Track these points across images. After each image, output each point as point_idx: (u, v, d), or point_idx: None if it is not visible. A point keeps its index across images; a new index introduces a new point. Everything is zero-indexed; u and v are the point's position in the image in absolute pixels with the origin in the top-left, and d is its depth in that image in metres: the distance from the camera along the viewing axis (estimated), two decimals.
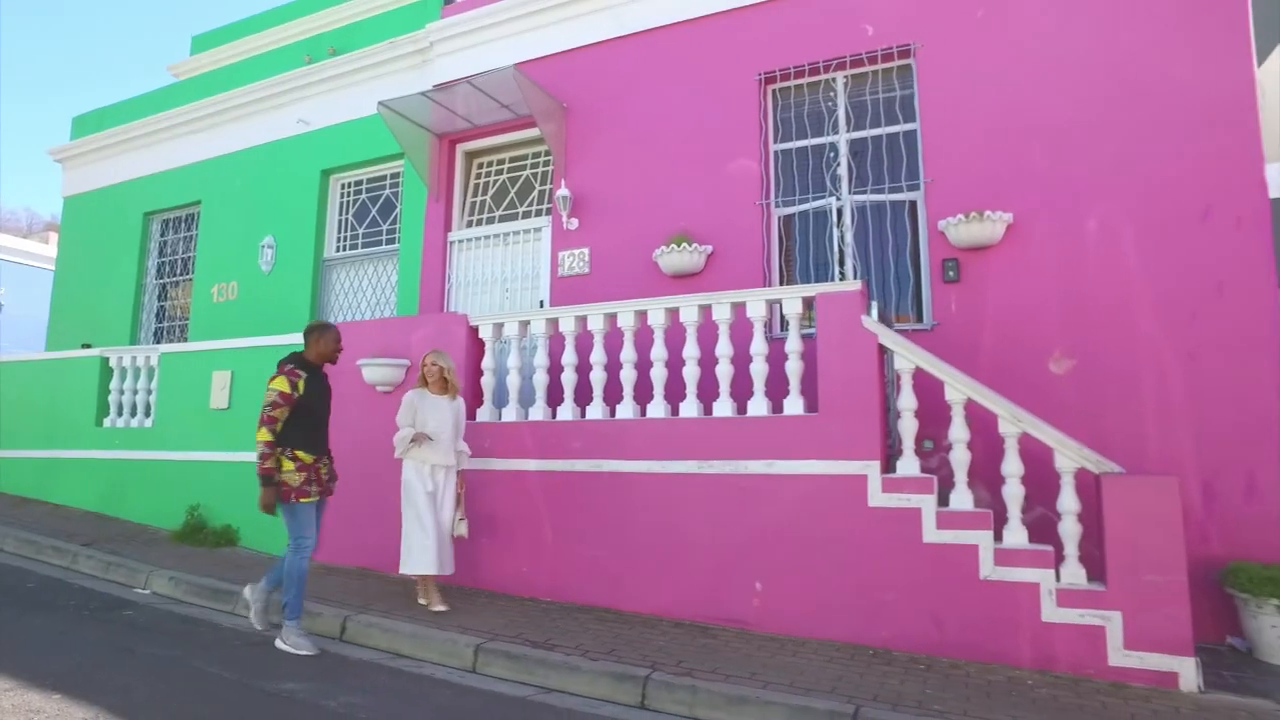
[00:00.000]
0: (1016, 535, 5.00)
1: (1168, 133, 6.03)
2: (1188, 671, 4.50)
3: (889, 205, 7.00)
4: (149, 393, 8.93)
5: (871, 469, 5.30)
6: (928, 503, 5.13)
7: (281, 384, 5.12)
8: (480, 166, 9.30)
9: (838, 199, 7.15)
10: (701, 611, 5.72)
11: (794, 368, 5.69)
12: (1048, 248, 6.26)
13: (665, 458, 5.97)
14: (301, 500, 5.14)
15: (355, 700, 4.24)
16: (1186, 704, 4.32)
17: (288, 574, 5.12)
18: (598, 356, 6.43)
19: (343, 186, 10.05)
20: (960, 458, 5.19)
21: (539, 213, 8.63)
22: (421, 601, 5.94)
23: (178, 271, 11.41)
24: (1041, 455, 5.14)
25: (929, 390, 5.41)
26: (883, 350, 5.48)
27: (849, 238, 7.05)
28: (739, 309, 5.94)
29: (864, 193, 7.11)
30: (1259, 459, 5.58)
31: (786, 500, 5.54)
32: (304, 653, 4.99)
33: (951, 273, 6.45)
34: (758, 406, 5.77)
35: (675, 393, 6.21)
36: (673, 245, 7.31)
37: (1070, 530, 4.88)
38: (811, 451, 5.49)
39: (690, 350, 6.05)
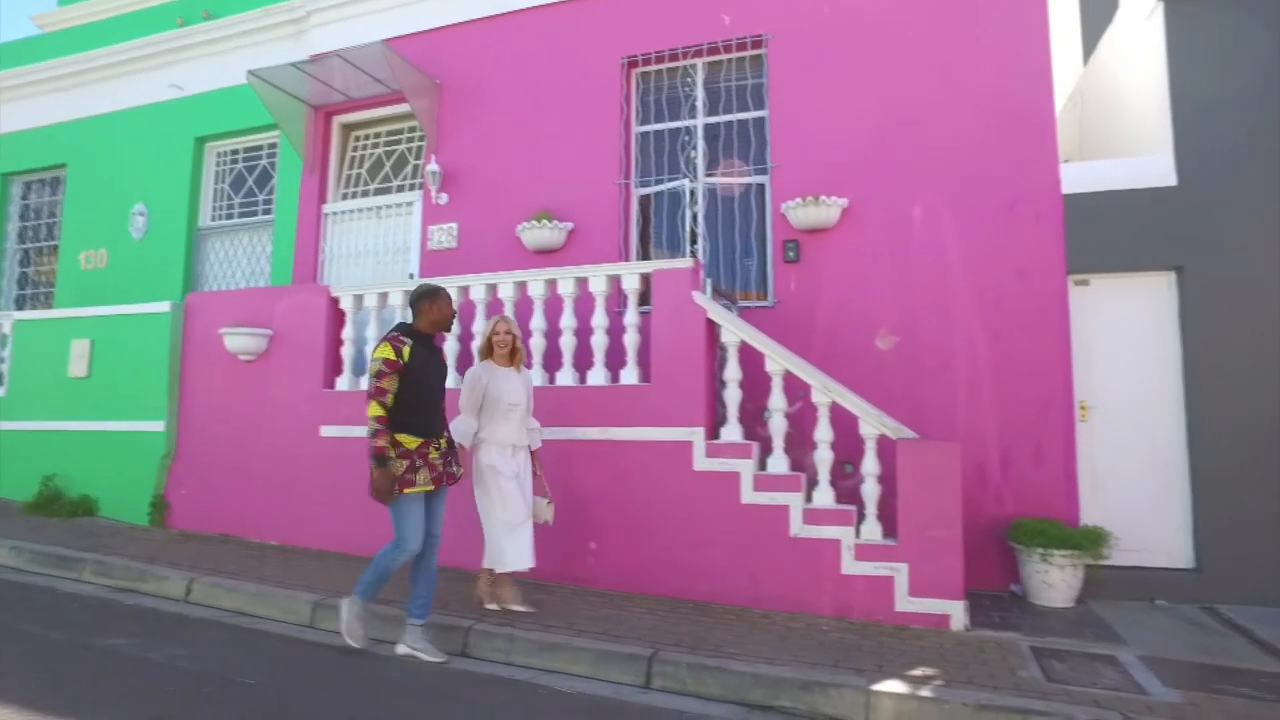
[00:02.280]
0: (825, 496, 5.44)
1: (982, 131, 6.54)
2: (958, 613, 5.02)
3: (737, 188, 7.37)
4: (1, 361, 8.70)
5: (697, 435, 5.67)
6: (746, 467, 5.53)
7: (385, 350, 4.40)
8: (357, 139, 9.32)
9: (691, 181, 7.48)
10: (542, 571, 6.00)
11: (631, 340, 6.01)
12: (878, 232, 6.73)
13: None
14: (405, 491, 4.38)
15: (179, 652, 4.40)
16: (950, 640, 4.84)
17: (376, 564, 4.48)
18: (453, 328, 6.61)
19: (218, 155, 9.91)
20: (778, 425, 5.60)
21: (413, 187, 8.73)
22: (491, 606, 5.20)
23: (42, 237, 11.03)
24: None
25: (758, 362, 5.79)
26: (713, 325, 5.83)
27: (700, 218, 7.40)
28: (583, 284, 6.21)
29: (716, 175, 7.46)
30: (1047, 429, 6.18)
31: (621, 465, 5.87)
32: (429, 658, 4.46)
33: (792, 253, 6.86)
34: (597, 377, 6.07)
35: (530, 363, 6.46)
36: (534, 222, 7.54)
37: (871, 491, 5.35)
38: (644, 419, 5.83)
39: (537, 323, 6.31)
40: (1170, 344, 6.21)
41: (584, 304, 6.31)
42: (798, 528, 5.37)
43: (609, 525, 5.89)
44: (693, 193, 7.49)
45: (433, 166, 8.15)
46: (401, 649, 4.54)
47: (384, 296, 6.91)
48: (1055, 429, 6.20)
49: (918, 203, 6.66)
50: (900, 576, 5.13)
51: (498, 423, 5.12)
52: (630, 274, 6.04)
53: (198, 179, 9.79)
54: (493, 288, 6.50)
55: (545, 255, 7.66)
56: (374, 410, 4.35)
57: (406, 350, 4.45)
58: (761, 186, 7.25)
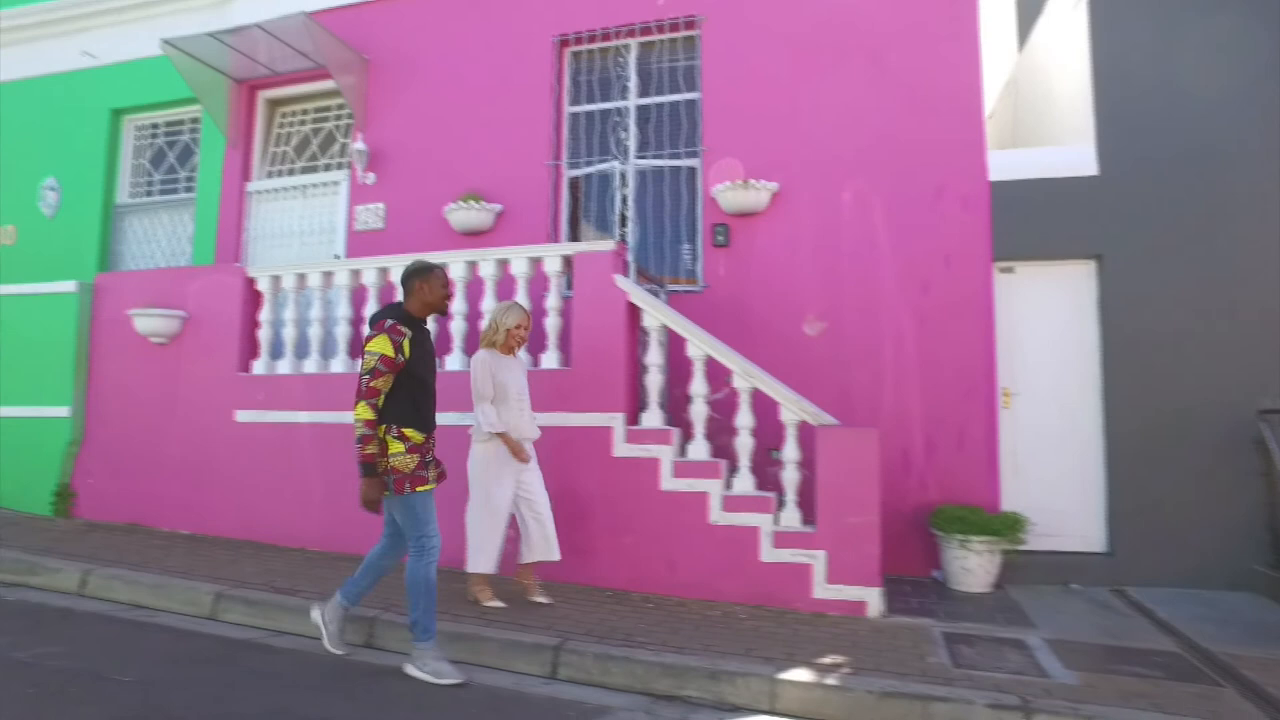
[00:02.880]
0: (745, 483, 5.37)
1: (912, 117, 6.52)
2: (874, 600, 5.01)
3: (669, 171, 7.26)
4: None
5: (617, 421, 5.57)
6: (667, 453, 5.45)
7: (383, 345, 3.89)
8: (284, 116, 9.00)
9: (621, 163, 7.35)
10: (456, 557, 5.87)
11: (552, 324, 5.88)
12: (808, 217, 6.68)
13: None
14: (419, 489, 4.00)
15: (54, 649, 4.16)
16: (865, 627, 4.82)
17: (412, 584, 4.00)
18: (372, 310, 6.42)
19: (137, 129, 9.49)
20: (699, 411, 5.52)
21: (340, 166, 8.45)
22: (492, 604, 5.00)
23: None
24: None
25: (683, 347, 5.69)
26: (635, 309, 5.72)
27: (631, 201, 7.28)
28: (504, 265, 6.05)
29: (647, 158, 7.34)
30: (970, 415, 6.20)
31: (541, 451, 5.72)
32: (447, 681, 3.94)
33: (721, 237, 6.78)
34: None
35: (444, 346, 6.29)
36: (461, 203, 7.36)
37: (791, 478, 5.30)
38: (564, 404, 5.71)
39: (458, 305, 6.14)
40: (1090, 332, 6.27)
41: (506, 287, 6.15)
42: (717, 515, 5.31)
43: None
44: (623, 175, 7.36)
45: (359, 145, 7.90)
46: (413, 671, 4.04)
47: (302, 278, 6.68)
48: (978, 416, 6.22)
49: (847, 188, 6.62)
50: (818, 564, 5.10)
51: (512, 414, 4.88)
52: (552, 256, 5.90)
53: (115, 153, 9.37)
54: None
55: (474, 237, 7.48)
56: (364, 412, 3.86)
57: (407, 344, 3.96)
58: (693, 170, 7.15)
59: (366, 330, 4.23)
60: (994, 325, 6.27)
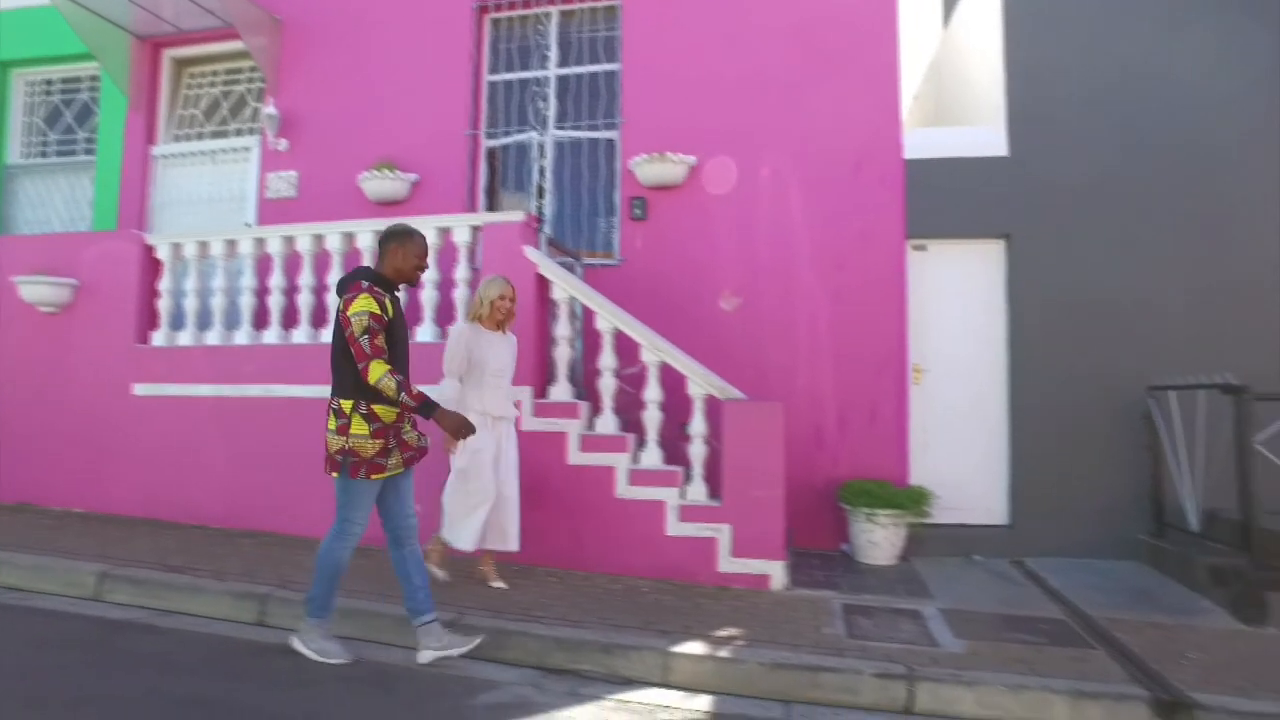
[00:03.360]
0: (652, 457, 5.35)
1: (831, 94, 6.52)
2: (778, 573, 5.04)
3: (587, 143, 7.15)
4: None
5: (525, 394, 5.48)
6: (574, 427, 5.39)
7: (368, 303, 3.59)
8: (191, 76, 8.61)
9: (540, 134, 7.22)
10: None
11: (461, 296, 5.76)
12: (726, 191, 6.64)
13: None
14: (372, 477, 3.73)
15: None
16: (767, 600, 4.86)
17: (322, 561, 3.82)
18: (277, 281, 6.22)
19: (28, 84, 8.97)
20: (608, 385, 5.47)
21: (252, 131, 8.12)
22: (438, 574, 4.88)
23: None
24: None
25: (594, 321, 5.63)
26: (545, 281, 5.62)
27: (549, 173, 7.16)
28: None
29: (566, 129, 7.21)
30: (881, 391, 6.28)
31: None
32: (333, 661, 3.81)
33: (639, 211, 6.71)
34: (425, 334, 5.81)
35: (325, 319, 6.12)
36: (375, 171, 7.14)
37: (698, 452, 5.29)
38: None
39: None
40: (998, 311, 6.39)
41: None
42: (623, 489, 5.28)
43: (436, 488, 5.64)
44: (542, 146, 7.22)
45: (270, 109, 7.60)
46: (426, 656, 3.89)
47: (204, 246, 6.41)
48: (889, 392, 6.30)
49: (765, 162, 6.61)
50: (723, 537, 5.11)
51: (481, 390, 4.69)
52: (461, 226, 5.77)
53: (2, 110, 8.85)
54: (319, 239, 6.11)
55: (389, 207, 7.27)
56: (382, 368, 3.56)
57: (389, 303, 3.71)
58: (611, 142, 7.05)
59: (333, 298, 4.00)
60: (906, 303, 6.35)
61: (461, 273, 5.77)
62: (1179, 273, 6.04)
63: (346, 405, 3.71)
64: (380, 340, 3.62)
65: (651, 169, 6.53)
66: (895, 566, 5.80)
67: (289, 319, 6.28)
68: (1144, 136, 6.17)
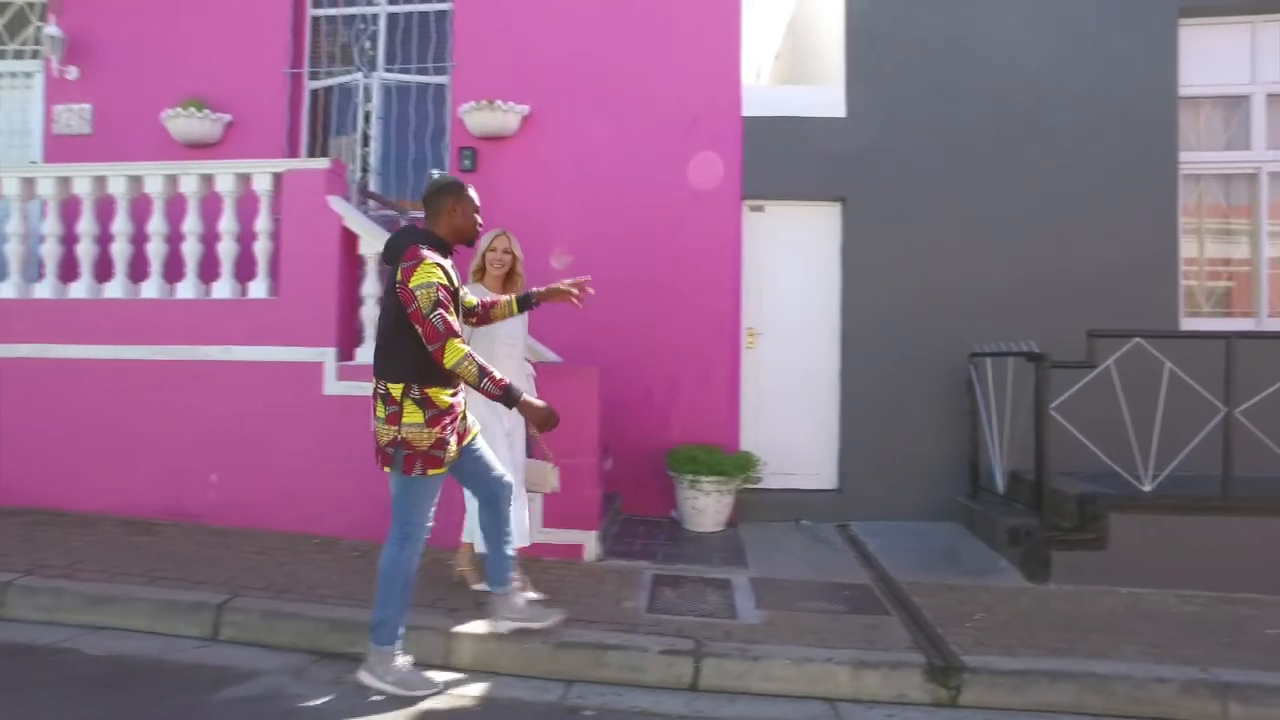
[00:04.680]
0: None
1: (670, 45, 6.29)
2: (591, 543, 4.90)
3: (416, 87, 6.69)
4: None
5: (328, 356, 5.10)
6: None
7: (432, 272, 3.10)
8: None
9: (366, 76, 6.70)
10: (158, 507, 5.29)
11: (263, 248, 5.29)
12: (561, 144, 6.34)
13: (122, 341, 5.35)
14: (429, 472, 3.24)
15: None
16: (576, 572, 4.71)
17: (387, 576, 3.33)
18: (52, 228, 5.56)
19: None
20: None
21: (35, 55, 7.23)
22: (477, 587, 4.17)
23: None
24: None
25: None
26: (353, 235, 5.21)
27: (375, 118, 6.67)
28: (209, 181, 5.34)
29: (395, 71, 6.72)
30: (715, 354, 6.18)
31: (247, 388, 5.20)
32: (420, 693, 3.30)
33: (468, 162, 6.33)
34: (223, 289, 5.31)
35: (141, 271, 5.55)
36: (182, 109, 6.47)
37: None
38: (272, 337, 5.17)
39: (156, 225, 5.40)
40: (833, 274, 6.36)
41: (212, 207, 5.45)
42: None
43: (233, 455, 5.23)
44: (368, 89, 6.70)
45: (53, 29, 6.75)
46: (505, 626, 3.65)
47: None
48: (722, 355, 6.21)
49: (601, 114, 6.32)
50: (536, 506, 4.90)
51: (492, 360, 3.79)
52: (262, 173, 5.27)
53: None
54: (100, 181, 5.47)
55: (199, 150, 6.62)
56: (459, 350, 3.10)
57: (452, 272, 3.25)
58: (442, 87, 6.60)
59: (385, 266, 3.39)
60: (741, 264, 6.24)
61: (263, 224, 5.28)
62: (1004, 240, 6.13)
63: (396, 390, 3.21)
64: (453, 316, 3.16)
65: (481, 117, 6.15)
66: (720, 533, 5.75)
67: (67, 271, 5.64)
68: (974, 105, 6.18)
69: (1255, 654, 3.79)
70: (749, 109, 6.22)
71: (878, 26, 6.25)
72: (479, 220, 3.48)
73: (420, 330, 3.12)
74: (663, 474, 6.01)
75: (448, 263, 3.26)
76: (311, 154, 6.76)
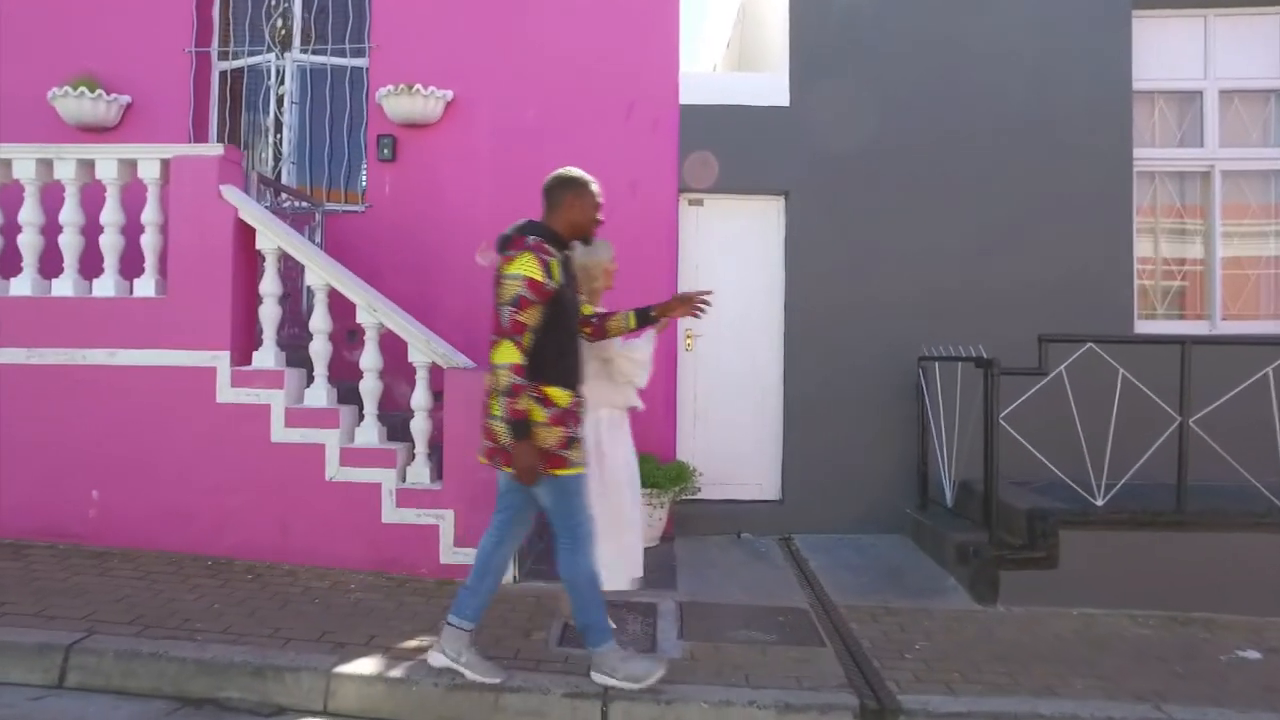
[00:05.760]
0: (369, 434, 4.65)
1: (604, 28, 5.90)
2: None
3: (332, 70, 6.22)
4: None
5: (221, 360, 4.64)
6: (278, 398, 4.60)
7: (529, 265, 2.95)
8: None
9: (278, 57, 6.22)
10: (29, 527, 4.78)
11: (151, 242, 4.79)
12: (487, 132, 5.93)
13: None
14: (556, 473, 3.08)
15: None
16: None
17: (573, 582, 3.20)
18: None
19: None
20: (320, 349, 4.70)
21: None
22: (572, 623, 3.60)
23: None
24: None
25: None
26: (249, 228, 4.74)
27: (289, 103, 6.19)
28: (89, 168, 4.85)
29: (309, 53, 6.25)
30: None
31: (132, 395, 4.72)
32: (653, 677, 3.19)
33: (386, 151, 5.89)
34: (105, 286, 4.81)
35: (13, 267, 5.03)
36: (72, 89, 5.93)
37: (421, 427, 4.62)
38: (160, 340, 4.70)
39: (29, 215, 4.88)
40: (776, 273, 6.03)
41: (93, 196, 4.91)
42: (334, 470, 4.57)
43: (117, 469, 4.75)
44: (281, 71, 6.22)
45: None
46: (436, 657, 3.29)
47: None
48: (658, 358, 5.77)
49: (530, 100, 5.92)
50: (445, 524, 4.51)
51: (597, 381, 3.61)
52: (149, 159, 4.77)
53: None
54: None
55: (93, 134, 6.07)
56: (509, 354, 2.94)
57: (556, 267, 3.05)
58: (360, 70, 6.15)
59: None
60: (678, 261, 5.89)
61: (150, 215, 4.79)
62: (953, 238, 5.83)
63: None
64: (527, 315, 2.95)
65: (400, 103, 5.70)
66: (653, 549, 5.35)
67: None
68: (922, 96, 5.88)
69: (1207, 686, 3.52)
70: (687, 96, 5.86)
71: (823, 10, 5.92)
72: (599, 218, 3.31)
73: (499, 317, 3.00)
74: None
75: (557, 258, 3.07)
76: (220, 141, 6.26)
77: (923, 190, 5.88)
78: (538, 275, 2.96)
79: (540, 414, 3.05)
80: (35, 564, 4.46)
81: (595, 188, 3.31)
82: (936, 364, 5.40)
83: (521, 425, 2.99)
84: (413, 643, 3.62)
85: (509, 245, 3.13)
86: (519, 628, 3.89)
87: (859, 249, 5.85)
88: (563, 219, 3.23)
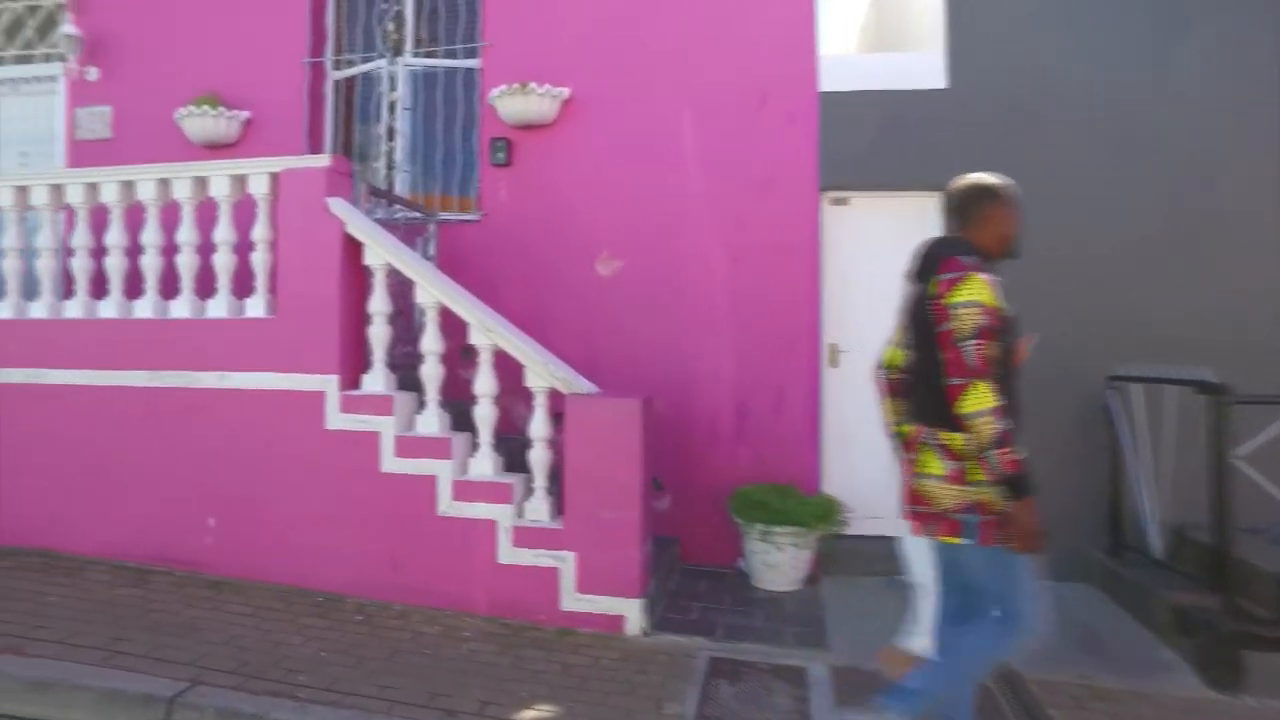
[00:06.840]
0: (483, 465, 4.26)
1: (736, 14, 5.34)
2: (633, 613, 4.01)
3: (444, 72, 5.92)
4: None
5: (330, 384, 4.37)
6: (387, 425, 4.29)
7: (980, 290, 2.51)
8: None
9: (390, 62, 5.96)
10: (152, 552, 4.67)
11: (261, 260, 4.59)
12: (605, 131, 5.49)
13: (115, 366, 4.76)
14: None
15: None
16: (615, 651, 3.83)
17: (969, 661, 2.72)
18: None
19: None
20: (432, 373, 4.35)
21: (65, 58, 6.79)
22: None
23: None
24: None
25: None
26: (357, 243, 4.45)
27: (400, 109, 5.93)
28: (202, 185, 4.69)
29: (422, 56, 5.97)
30: (789, 374, 5.21)
31: (242, 420, 4.53)
32: None
33: (501, 155, 5.53)
34: (218, 307, 4.64)
35: (136, 288, 4.94)
36: (195, 107, 5.89)
37: (540, 459, 4.20)
38: (268, 362, 4.48)
39: (150, 236, 4.78)
40: None
41: (206, 214, 4.77)
42: (446, 504, 4.20)
43: (229, 497, 4.57)
44: (393, 77, 5.98)
45: (69, 28, 6.29)
46: None
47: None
48: (799, 376, 5.23)
49: (652, 94, 5.43)
50: (566, 567, 4.06)
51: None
52: (259, 174, 4.56)
53: None
54: (93, 188, 4.89)
55: (217, 150, 6.03)
56: (985, 398, 2.44)
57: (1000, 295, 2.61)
58: (472, 71, 5.82)
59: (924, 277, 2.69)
60: (819, 268, 5.25)
61: (260, 232, 4.59)
62: (1148, 239, 4.95)
63: (954, 439, 2.58)
64: (991, 348, 2.50)
65: (514, 103, 5.33)
66: (797, 593, 4.77)
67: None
68: (1115, 67, 5.02)
69: None
70: (827, 83, 5.22)
71: None
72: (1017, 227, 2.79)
73: (944, 358, 2.54)
74: (728, 514, 5.08)
75: (996, 282, 2.58)
76: (335, 151, 6.09)
77: (1114, 181, 5.01)
78: (993, 303, 2.51)
79: (940, 467, 2.59)
80: (154, 592, 4.32)
81: (1014, 193, 2.77)
82: (1134, 385, 4.54)
83: (1022, 480, 2.43)
84: (529, 713, 3.18)
85: (941, 267, 2.62)
86: (650, 698, 3.38)
87: (1037, 250, 5.02)
88: (989, 232, 2.73)
